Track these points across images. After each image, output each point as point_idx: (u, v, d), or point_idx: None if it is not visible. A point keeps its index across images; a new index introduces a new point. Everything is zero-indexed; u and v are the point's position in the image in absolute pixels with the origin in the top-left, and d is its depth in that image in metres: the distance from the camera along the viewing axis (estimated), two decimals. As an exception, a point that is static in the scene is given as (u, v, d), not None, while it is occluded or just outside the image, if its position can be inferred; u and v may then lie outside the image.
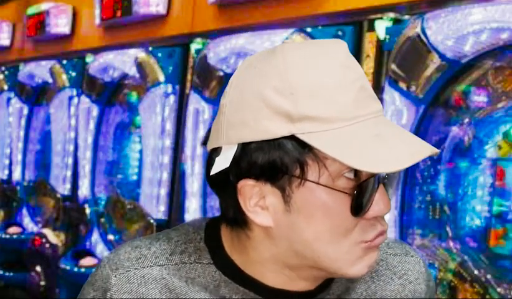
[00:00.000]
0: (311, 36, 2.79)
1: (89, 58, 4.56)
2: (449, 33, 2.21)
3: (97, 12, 4.34)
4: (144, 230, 3.71)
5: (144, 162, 3.83)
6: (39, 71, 5.27)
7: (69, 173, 4.77)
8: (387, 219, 0.98)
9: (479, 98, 2.29)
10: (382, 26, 2.52)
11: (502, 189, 2.23)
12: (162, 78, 3.67)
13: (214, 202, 3.39)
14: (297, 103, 0.88)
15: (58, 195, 4.83)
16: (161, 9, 3.79)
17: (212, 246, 1.01)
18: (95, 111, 4.46)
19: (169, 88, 3.66)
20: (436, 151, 0.91)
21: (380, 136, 0.89)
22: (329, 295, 1.01)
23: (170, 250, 1.01)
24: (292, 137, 0.89)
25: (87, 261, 4.03)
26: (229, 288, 0.98)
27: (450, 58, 2.25)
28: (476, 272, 2.22)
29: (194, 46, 3.56)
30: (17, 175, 5.66)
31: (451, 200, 2.35)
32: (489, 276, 2.19)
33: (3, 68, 6.14)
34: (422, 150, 0.90)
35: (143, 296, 0.99)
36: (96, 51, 4.50)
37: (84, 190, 4.51)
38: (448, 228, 2.35)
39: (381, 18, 2.52)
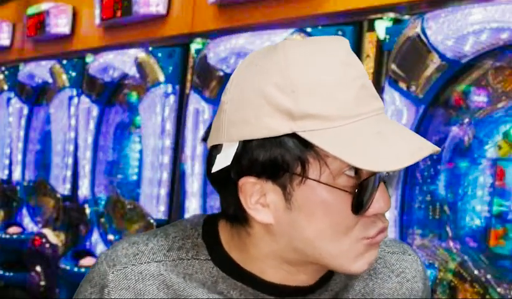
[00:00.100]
0: (311, 36, 2.79)
1: (89, 58, 4.56)
2: (449, 33, 2.21)
3: (97, 12, 4.34)
4: (144, 230, 3.69)
5: (144, 162, 3.83)
6: (39, 71, 5.27)
7: (69, 173, 4.77)
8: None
9: (479, 98, 2.29)
10: (382, 26, 2.51)
11: (502, 189, 2.23)
12: (162, 78, 3.67)
13: (214, 202, 3.39)
14: (298, 100, 0.88)
15: (58, 195, 4.83)
16: (161, 9, 3.79)
17: (209, 242, 1.00)
18: (95, 111, 4.46)
19: (169, 88, 3.66)
20: (437, 149, 0.91)
21: (381, 134, 0.89)
22: (327, 292, 1.01)
23: (168, 246, 1.01)
24: (293, 135, 0.89)
25: (87, 261, 4.03)
26: (227, 284, 0.98)
27: (450, 58, 2.25)
28: (476, 272, 2.22)
29: (194, 46, 3.56)
30: (17, 175, 5.66)
31: (451, 200, 2.35)
32: (489, 276, 2.19)
33: (3, 68, 6.14)
34: (424, 148, 0.90)
35: (141, 293, 0.99)
36: (96, 51, 4.50)
37: (84, 190, 4.51)
38: (448, 228, 2.35)
39: (381, 18, 2.52)
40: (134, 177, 4.32)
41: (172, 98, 3.65)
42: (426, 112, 2.37)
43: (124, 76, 4.23)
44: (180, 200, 3.53)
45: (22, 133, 5.61)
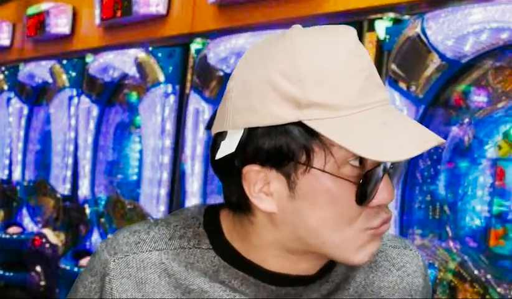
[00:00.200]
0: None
1: (89, 58, 4.56)
2: (449, 33, 2.21)
3: (97, 12, 4.34)
4: (144, 230, 3.70)
5: (144, 162, 3.83)
6: (39, 71, 5.27)
7: (69, 173, 4.77)
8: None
9: (479, 98, 2.29)
10: (382, 26, 2.51)
11: (502, 189, 2.24)
12: (162, 78, 3.67)
13: (214, 201, 3.39)
14: (305, 89, 0.88)
15: (58, 195, 4.83)
16: (161, 9, 3.79)
17: (211, 231, 1.00)
18: (95, 111, 4.46)
19: (169, 88, 3.66)
20: (442, 141, 0.91)
21: (387, 125, 0.89)
22: (328, 283, 1.01)
23: (169, 235, 1.01)
24: (299, 124, 0.88)
25: (87, 261, 4.03)
26: (228, 273, 0.98)
27: (450, 58, 2.25)
28: (476, 272, 2.22)
29: (194, 46, 3.56)
30: (17, 175, 5.66)
31: (451, 200, 2.35)
32: (489, 276, 2.19)
33: (3, 68, 6.14)
34: (429, 140, 0.90)
35: (142, 281, 0.98)
36: (96, 51, 4.50)
37: (84, 190, 4.51)
38: (448, 228, 2.35)
39: (381, 18, 2.52)
40: (134, 177, 4.32)
41: (172, 98, 3.65)
42: (426, 112, 2.37)
43: (124, 76, 4.23)
44: (180, 200, 3.53)
45: (22, 133, 5.61)
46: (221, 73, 3.30)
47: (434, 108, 2.36)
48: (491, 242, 2.24)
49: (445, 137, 2.35)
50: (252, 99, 0.90)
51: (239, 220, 0.97)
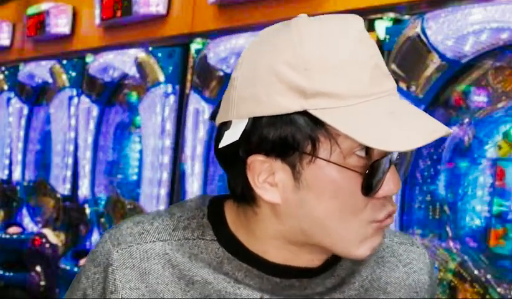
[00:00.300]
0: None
1: (89, 58, 4.56)
2: (449, 33, 2.21)
3: (97, 12, 4.34)
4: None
5: (144, 162, 3.83)
6: (39, 71, 5.27)
7: (69, 173, 4.77)
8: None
9: (479, 98, 2.29)
10: (382, 26, 2.51)
11: (502, 189, 2.24)
12: (162, 78, 3.67)
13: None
14: (311, 78, 0.87)
15: (58, 195, 4.83)
16: (161, 9, 3.79)
17: (215, 222, 0.99)
18: (95, 111, 4.46)
19: (169, 88, 3.66)
20: (450, 131, 0.90)
21: (394, 114, 0.88)
22: (333, 277, 1.00)
23: (173, 226, 1.00)
24: (304, 113, 0.87)
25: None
26: (232, 265, 0.97)
27: (450, 58, 2.25)
28: (476, 272, 2.22)
29: (194, 46, 3.56)
30: (17, 175, 5.66)
31: (451, 200, 2.35)
32: (489, 276, 2.19)
33: (3, 68, 6.14)
34: (436, 130, 0.88)
35: (146, 272, 0.97)
36: (96, 51, 4.50)
37: (84, 190, 4.51)
38: (448, 228, 2.35)
39: (381, 18, 2.52)
40: (134, 177, 4.32)
41: (172, 98, 3.65)
42: (426, 112, 2.35)
43: (124, 76, 4.23)
44: (180, 200, 3.52)
45: (22, 133, 5.61)
46: (221, 73, 3.30)
47: (434, 108, 2.36)
48: (491, 242, 2.24)
49: (445, 137, 2.35)
50: (257, 89, 0.89)
51: (243, 211, 0.97)
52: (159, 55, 3.73)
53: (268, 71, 0.89)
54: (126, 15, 4.02)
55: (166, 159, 3.65)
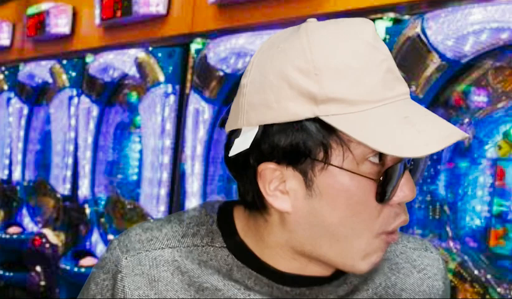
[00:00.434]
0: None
1: (89, 58, 4.56)
2: (449, 33, 2.21)
3: (97, 12, 4.34)
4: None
5: (144, 162, 3.83)
6: (39, 71, 5.27)
7: (69, 173, 4.77)
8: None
9: (479, 98, 2.29)
10: (382, 26, 2.51)
11: (502, 189, 2.23)
12: (162, 78, 3.67)
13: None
14: (322, 84, 0.85)
15: (58, 195, 4.83)
16: (161, 9, 3.79)
17: (224, 229, 0.98)
18: (95, 111, 4.46)
19: (169, 88, 3.66)
20: (466, 135, 0.88)
21: (408, 119, 0.86)
22: (345, 284, 0.99)
23: (182, 232, 0.99)
24: (316, 120, 0.86)
25: (87, 261, 4.03)
26: (242, 273, 0.96)
27: (450, 58, 2.25)
28: (476, 272, 2.22)
29: (194, 46, 3.56)
30: (17, 175, 5.66)
31: (451, 200, 2.35)
32: (489, 276, 2.19)
33: (3, 68, 6.14)
34: (452, 135, 0.87)
35: (155, 278, 0.97)
36: (96, 51, 4.50)
37: (84, 190, 4.51)
38: (448, 228, 2.35)
39: (381, 18, 2.52)
40: (134, 177, 4.32)
41: (172, 98, 3.65)
42: (427, 112, 2.36)
43: (124, 76, 4.23)
44: (180, 200, 3.53)
45: (22, 133, 5.61)
46: (221, 73, 3.30)
47: (434, 108, 2.36)
48: (491, 242, 2.24)
49: (445, 137, 2.35)
50: (267, 96, 0.88)
51: (253, 218, 0.96)
52: (159, 55, 3.73)
53: (278, 77, 0.87)
54: (126, 15, 4.02)
55: (166, 159, 3.65)
